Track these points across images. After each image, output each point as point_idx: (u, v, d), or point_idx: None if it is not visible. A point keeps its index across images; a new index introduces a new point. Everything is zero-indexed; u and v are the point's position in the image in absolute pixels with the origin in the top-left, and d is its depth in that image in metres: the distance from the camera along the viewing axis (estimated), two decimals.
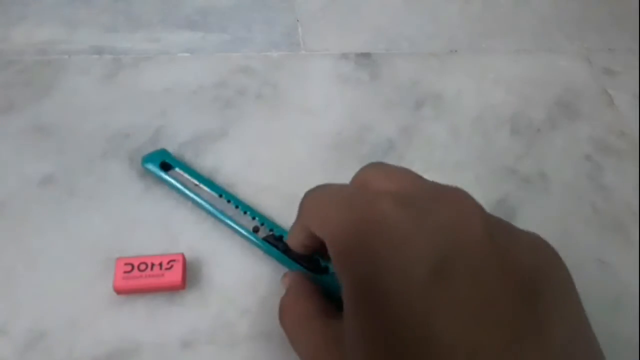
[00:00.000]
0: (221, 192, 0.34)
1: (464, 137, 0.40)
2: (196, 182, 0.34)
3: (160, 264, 0.30)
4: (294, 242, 0.26)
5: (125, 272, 0.29)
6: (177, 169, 0.34)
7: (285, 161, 0.37)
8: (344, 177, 0.37)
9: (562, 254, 0.35)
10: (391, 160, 0.38)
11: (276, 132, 0.38)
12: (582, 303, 0.19)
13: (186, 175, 0.34)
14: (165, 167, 0.34)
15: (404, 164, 0.38)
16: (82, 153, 0.36)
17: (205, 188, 0.33)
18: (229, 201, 0.33)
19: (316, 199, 0.23)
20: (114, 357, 0.28)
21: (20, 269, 0.31)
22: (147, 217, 0.33)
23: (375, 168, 0.23)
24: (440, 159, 0.39)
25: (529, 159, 0.39)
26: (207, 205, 0.32)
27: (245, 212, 0.33)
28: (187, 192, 0.33)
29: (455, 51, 0.46)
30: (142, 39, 0.43)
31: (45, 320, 0.29)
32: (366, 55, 0.45)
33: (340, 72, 0.43)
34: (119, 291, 0.29)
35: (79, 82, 0.39)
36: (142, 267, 0.29)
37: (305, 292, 0.26)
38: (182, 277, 0.30)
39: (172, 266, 0.30)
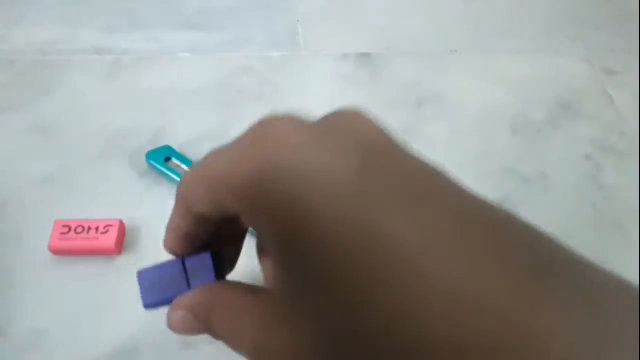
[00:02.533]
0: None
1: (464, 137, 0.40)
2: None
3: (97, 228, 0.30)
4: (173, 234, 0.20)
5: (61, 233, 0.30)
6: (182, 165, 0.35)
7: None
8: None
9: None
10: None
11: None
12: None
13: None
14: (169, 162, 0.35)
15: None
16: (82, 153, 0.36)
17: None
18: None
19: (194, 170, 0.19)
20: (114, 357, 0.28)
21: (21, 270, 0.31)
22: (148, 216, 0.33)
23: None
24: (440, 159, 0.38)
25: (529, 159, 0.39)
26: None
27: None
28: None
29: (455, 51, 0.46)
30: (142, 39, 0.43)
31: (46, 319, 0.29)
32: (366, 55, 0.45)
33: (340, 72, 0.43)
34: (53, 251, 0.30)
35: (79, 82, 0.39)
36: (79, 229, 0.30)
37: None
38: (115, 242, 0.30)
39: (107, 230, 0.30)
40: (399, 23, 0.48)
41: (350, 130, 0.16)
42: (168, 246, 0.20)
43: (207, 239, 0.20)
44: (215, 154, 0.18)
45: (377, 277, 0.12)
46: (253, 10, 0.46)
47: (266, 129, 0.16)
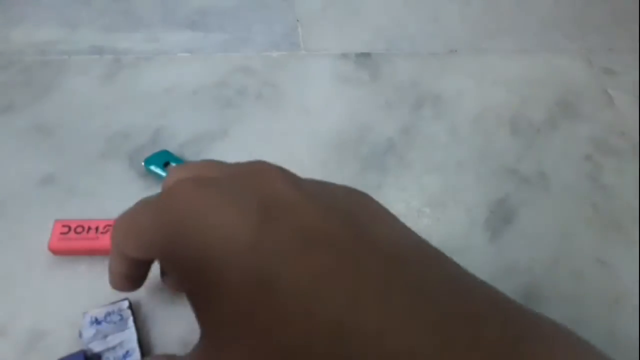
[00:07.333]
0: None
1: (464, 137, 0.40)
2: None
3: (97, 228, 0.30)
4: (117, 277, 0.23)
5: (61, 233, 0.30)
6: None
7: (285, 161, 0.37)
8: (344, 176, 0.37)
9: (562, 254, 0.35)
10: (391, 160, 0.38)
11: (276, 132, 0.38)
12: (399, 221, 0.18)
13: None
14: (168, 167, 0.34)
15: (404, 164, 0.39)
16: (82, 153, 0.36)
17: None
18: None
19: (123, 219, 0.21)
20: None
21: (21, 270, 0.31)
22: None
23: (177, 169, 0.22)
24: (440, 159, 0.39)
25: (529, 159, 0.39)
26: None
27: None
28: None
29: (455, 51, 0.46)
30: (142, 39, 0.43)
31: (46, 320, 0.29)
32: (366, 55, 0.45)
33: (340, 72, 0.43)
34: (53, 251, 0.30)
35: (79, 82, 0.39)
36: (79, 229, 0.30)
37: None
38: None
39: (107, 230, 0.30)
40: (399, 23, 0.48)
41: (252, 189, 0.17)
42: (114, 286, 0.23)
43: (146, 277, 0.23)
44: (141, 208, 0.20)
45: (274, 318, 0.14)
46: (253, 10, 0.46)
47: (176, 194, 0.18)
